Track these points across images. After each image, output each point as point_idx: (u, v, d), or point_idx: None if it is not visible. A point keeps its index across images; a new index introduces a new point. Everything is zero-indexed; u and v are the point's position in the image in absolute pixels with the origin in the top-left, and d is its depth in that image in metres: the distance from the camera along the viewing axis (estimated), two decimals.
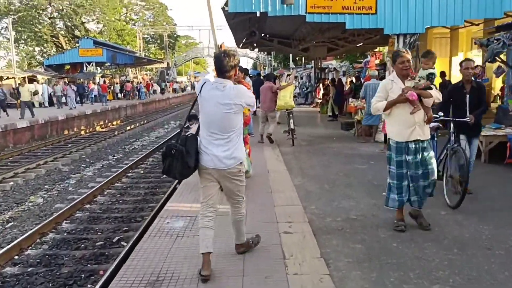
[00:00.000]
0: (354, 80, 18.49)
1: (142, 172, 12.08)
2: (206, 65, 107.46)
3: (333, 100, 15.55)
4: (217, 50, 6.87)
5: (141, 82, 43.09)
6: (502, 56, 9.74)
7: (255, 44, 25.03)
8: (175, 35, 67.70)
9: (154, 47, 67.84)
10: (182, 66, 78.97)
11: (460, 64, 5.65)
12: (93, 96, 30.06)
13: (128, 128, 22.86)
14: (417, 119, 4.49)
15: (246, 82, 6.60)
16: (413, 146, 4.52)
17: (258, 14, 12.82)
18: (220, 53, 3.69)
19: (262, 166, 8.08)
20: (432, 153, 4.64)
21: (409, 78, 4.53)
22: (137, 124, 24.65)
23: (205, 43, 63.94)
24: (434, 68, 4.84)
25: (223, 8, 11.53)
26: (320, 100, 22.44)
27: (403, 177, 4.62)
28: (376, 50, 31.50)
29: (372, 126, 10.52)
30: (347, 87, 18.70)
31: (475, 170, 6.04)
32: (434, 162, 4.64)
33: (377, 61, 30.53)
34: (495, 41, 7.63)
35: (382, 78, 12.66)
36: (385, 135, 9.03)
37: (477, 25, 15.91)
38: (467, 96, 5.72)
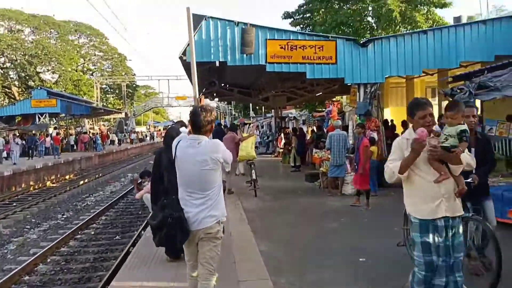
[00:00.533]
0: (315, 129, 18.36)
1: (92, 233, 11.04)
2: (166, 115, 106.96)
3: (295, 150, 15.21)
4: (196, 103, 6.32)
5: (97, 133, 41.77)
6: None
7: (215, 94, 24.79)
8: (134, 85, 67.13)
9: (113, 97, 66.77)
10: (142, 116, 77.94)
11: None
12: (43, 149, 28.52)
13: (82, 182, 21.58)
14: (444, 190, 3.40)
15: None
16: (442, 224, 3.41)
17: (217, 64, 12.52)
18: (196, 107, 3.59)
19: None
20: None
21: (432, 135, 3.43)
22: (92, 178, 23.38)
23: (165, 93, 63.65)
24: (464, 123, 3.67)
25: (180, 58, 11.14)
26: (282, 150, 22.17)
27: (435, 266, 3.40)
28: (334, 99, 32.16)
29: (338, 178, 10.13)
30: (308, 137, 18.52)
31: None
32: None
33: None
34: (459, 91, 7.52)
35: (344, 128, 12.47)
36: (358, 191, 8.68)
37: (432, 74, 16.31)
38: (472, 150, 4.41)
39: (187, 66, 13.34)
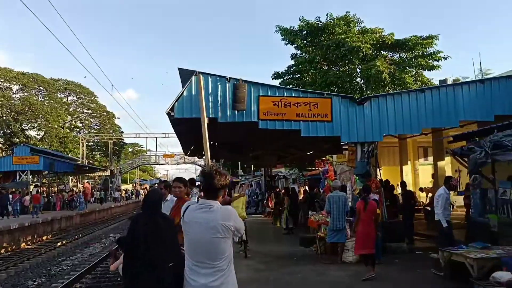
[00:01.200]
0: (307, 189, 17.68)
1: None
2: (153, 173, 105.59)
3: (287, 211, 14.39)
4: (207, 168, 5.92)
5: (80, 191, 40.47)
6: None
7: (203, 152, 24.21)
8: (121, 143, 66.51)
9: (99, 154, 65.89)
10: (128, 173, 76.72)
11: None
12: (17, 207, 27.13)
13: (59, 244, 20.22)
14: None
15: (188, 198, 5.32)
16: None
17: (207, 121, 12.01)
18: (209, 171, 3.39)
19: None
20: None
21: None
22: (70, 239, 22.01)
23: (153, 151, 63.09)
24: None
25: (168, 113, 10.60)
26: (272, 210, 21.31)
27: None
28: (324, 158, 31.80)
29: (337, 243, 9.31)
30: (301, 197, 17.80)
31: None
32: None
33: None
34: (470, 150, 6.97)
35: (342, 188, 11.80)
36: (365, 258, 7.69)
37: (427, 134, 15.99)
38: None
39: (175, 123, 12.80)
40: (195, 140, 13.87)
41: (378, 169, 10.94)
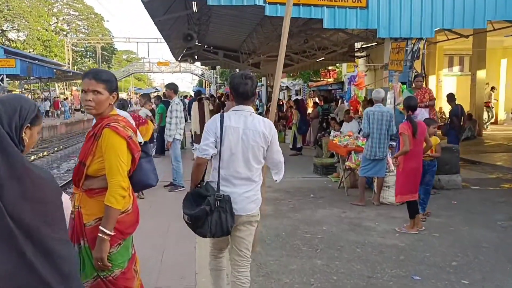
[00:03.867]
0: (317, 101, 14.99)
1: None
2: (149, 81, 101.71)
3: (296, 127, 11.77)
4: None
5: (67, 98, 37.75)
6: None
7: (196, 57, 21.07)
8: (112, 48, 62.25)
9: (90, 61, 61.90)
10: (122, 82, 73.36)
11: None
12: None
13: (34, 157, 17.92)
14: None
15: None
16: None
17: (194, 8, 8.93)
18: (239, 75, 3.01)
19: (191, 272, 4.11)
20: None
21: None
22: (50, 151, 19.72)
23: (147, 58, 59.28)
24: None
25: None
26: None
27: None
28: (331, 68, 28.65)
29: (373, 178, 6.77)
30: (310, 110, 15.19)
31: None
32: None
33: (331, 79, 27.75)
34: None
35: (369, 102, 9.09)
36: (410, 205, 5.22)
37: (467, 37, 12.95)
38: None
39: (154, 12, 9.74)
40: (183, 37, 10.87)
41: (424, 74, 8.12)
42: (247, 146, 2.92)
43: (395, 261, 4.43)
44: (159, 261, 4.48)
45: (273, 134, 3.02)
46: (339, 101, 16.53)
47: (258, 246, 4.33)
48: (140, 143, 2.78)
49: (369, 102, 8.85)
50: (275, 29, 11.82)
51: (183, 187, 7.67)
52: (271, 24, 12.39)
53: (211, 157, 2.96)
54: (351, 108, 10.01)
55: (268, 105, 21.88)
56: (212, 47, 21.10)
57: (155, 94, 45.28)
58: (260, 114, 20.87)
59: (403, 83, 7.72)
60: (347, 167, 7.24)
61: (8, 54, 29.10)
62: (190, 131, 11.02)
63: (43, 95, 38.04)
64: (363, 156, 6.54)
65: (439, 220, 5.85)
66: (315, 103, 15.35)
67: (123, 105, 7.12)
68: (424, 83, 8.11)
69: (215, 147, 2.93)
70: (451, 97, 9.27)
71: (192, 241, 5.05)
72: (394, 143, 6.82)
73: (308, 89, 26.38)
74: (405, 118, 5.31)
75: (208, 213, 2.84)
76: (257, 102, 28.17)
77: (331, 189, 7.82)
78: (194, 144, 10.57)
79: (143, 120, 7.18)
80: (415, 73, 7.84)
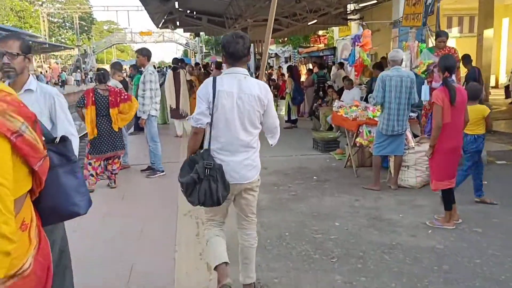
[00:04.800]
0: (311, 68, 13.80)
1: None
2: (132, 53, 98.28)
3: (291, 97, 10.54)
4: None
5: (45, 72, 35.91)
6: None
7: (178, 23, 19.50)
8: (91, 18, 59.45)
9: (69, 32, 59.06)
10: (104, 53, 70.71)
11: None
12: None
13: None
14: None
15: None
16: None
17: None
18: (230, 34, 2.84)
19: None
20: None
21: None
22: None
23: (128, 28, 56.85)
24: None
25: None
26: None
27: None
28: (321, 33, 27.18)
29: (389, 157, 5.59)
30: (303, 78, 14.00)
31: None
32: None
33: (321, 45, 26.32)
34: None
35: (377, 66, 7.90)
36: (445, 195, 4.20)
37: None
38: None
39: None
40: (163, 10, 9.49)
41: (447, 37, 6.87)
42: (243, 111, 2.77)
43: (439, 274, 3.36)
44: (126, 278, 3.37)
45: (269, 98, 2.87)
46: (332, 68, 15.33)
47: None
48: (51, 140, 1.61)
49: (377, 66, 7.65)
50: None
51: (163, 171, 6.52)
52: None
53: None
54: (355, 73, 8.77)
55: (257, 73, 20.55)
56: (195, 12, 19.51)
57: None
58: None
59: (422, 42, 6.52)
60: (357, 144, 6.09)
61: None
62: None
63: None
64: (378, 131, 5.37)
65: (475, 208, 4.78)
66: (309, 70, 14.07)
67: (103, 75, 5.89)
68: None
69: (209, 114, 2.76)
70: (467, 59, 8.12)
71: (170, 249, 3.94)
72: (415, 114, 5.70)
73: (298, 56, 24.95)
74: (441, 82, 4.14)
75: (197, 181, 2.73)
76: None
77: (336, 169, 6.67)
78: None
79: (126, 96, 5.96)
80: (436, 31, 6.62)
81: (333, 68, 14.12)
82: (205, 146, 2.86)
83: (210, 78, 2.84)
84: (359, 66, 8.42)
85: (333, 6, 14.71)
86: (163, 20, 19.62)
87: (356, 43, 8.21)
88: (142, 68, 6.48)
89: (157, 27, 21.19)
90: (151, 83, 6.18)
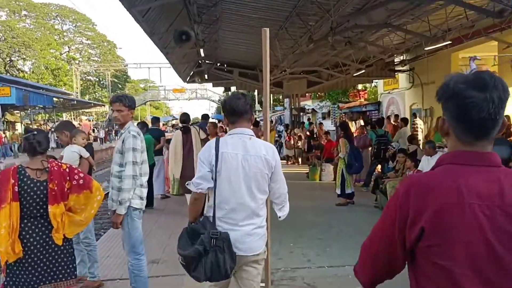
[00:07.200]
0: (362, 123, 11.37)
1: None
2: (167, 109, 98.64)
3: (345, 164, 7.94)
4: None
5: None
6: None
7: (206, 76, 17.70)
8: (124, 76, 60.02)
9: (101, 89, 59.60)
10: (138, 110, 71.09)
11: None
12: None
13: None
14: None
15: None
16: None
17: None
18: (230, 95, 2.87)
19: None
20: None
21: None
22: None
23: (162, 85, 57.05)
24: None
25: None
26: (292, 151, 15.44)
27: None
28: (359, 89, 24.99)
29: None
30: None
31: None
32: None
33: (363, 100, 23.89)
34: None
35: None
36: None
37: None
38: None
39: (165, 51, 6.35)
40: (175, 35, 7.44)
41: None
42: (248, 174, 2.55)
43: None
44: None
45: (277, 159, 2.66)
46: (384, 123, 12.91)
47: None
48: None
49: None
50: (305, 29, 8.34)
51: None
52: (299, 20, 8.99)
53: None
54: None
55: (289, 129, 18.26)
56: (225, 65, 17.78)
57: (173, 122, 42.21)
58: (279, 144, 17.19)
59: None
60: None
61: (4, 82, 26.47)
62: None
63: (46, 125, 35.33)
64: None
65: None
66: (361, 127, 11.58)
67: (38, 142, 3.20)
68: None
69: (212, 178, 2.54)
70: None
71: None
72: None
73: (338, 112, 22.65)
74: None
75: (202, 253, 2.45)
76: (278, 127, 24.63)
77: None
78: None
79: (81, 179, 3.18)
80: None
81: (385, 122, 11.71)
82: (205, 213, 2.63)
83: (213, 139, 2.68)
84: None
85: (387, 53, 12.48)
86: (191, 73, 17.99)
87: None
88: (119, 127, 3.86)
89: (184, 81, 19.52)
90: (135, 153, 3.55)
